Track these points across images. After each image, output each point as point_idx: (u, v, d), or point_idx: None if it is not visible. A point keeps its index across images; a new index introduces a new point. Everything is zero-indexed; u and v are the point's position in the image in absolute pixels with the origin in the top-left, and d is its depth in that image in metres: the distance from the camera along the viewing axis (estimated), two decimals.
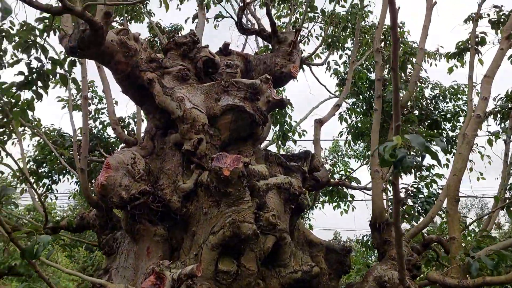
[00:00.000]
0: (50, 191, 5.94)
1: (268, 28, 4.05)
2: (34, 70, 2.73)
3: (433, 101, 5.56)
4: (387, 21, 3.86)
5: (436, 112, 5.53)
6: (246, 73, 3.72)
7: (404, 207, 3.98)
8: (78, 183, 5.78)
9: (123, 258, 2.97)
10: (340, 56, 5.39)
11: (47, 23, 2.64)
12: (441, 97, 5.54)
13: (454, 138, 5.56)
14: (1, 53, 3.12)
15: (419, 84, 6.09)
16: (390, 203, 3.77)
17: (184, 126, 2.79)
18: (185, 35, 3.22)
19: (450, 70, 4.32)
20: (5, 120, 3.44)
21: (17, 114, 2.84)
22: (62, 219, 3.41)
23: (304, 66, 4.70)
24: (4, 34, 3.08)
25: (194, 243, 2.72)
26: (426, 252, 3.58)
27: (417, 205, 3.83)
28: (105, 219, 3.22)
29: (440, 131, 5.20)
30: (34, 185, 5.86)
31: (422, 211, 3.75)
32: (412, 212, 3.93)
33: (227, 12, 4.82)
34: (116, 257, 3.06)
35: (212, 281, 2.55)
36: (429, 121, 5.38)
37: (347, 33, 5.14)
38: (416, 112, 5.61)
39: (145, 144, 3.05)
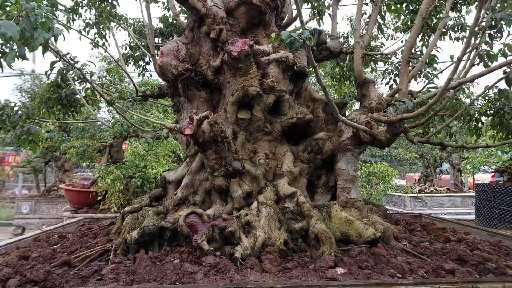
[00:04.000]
0: (145, 70, 7.68)
1: None
2: None
3: None
4: None
5: None
6: None
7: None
8: None
9: (185, 113, 4.49)
10: None
11: None
12: None
13: None
14: None
15: None
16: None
17: (208, 20, 3.90)
18: None
19: None
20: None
21: (103, 20, 4.25)
22: (147, 90, 5.01)
23: None
24: None
25: (224, 102, 4.07)
26: None
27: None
28: (172, 89, 4.70)
29: None
30: (134, 66, 7.67)
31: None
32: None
33: None
34: (181, 113, 4.60)
35: (234, 125, 3.94)
36: None
37: None
38: None
39: (187, 34, 4.27)
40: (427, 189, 15.09)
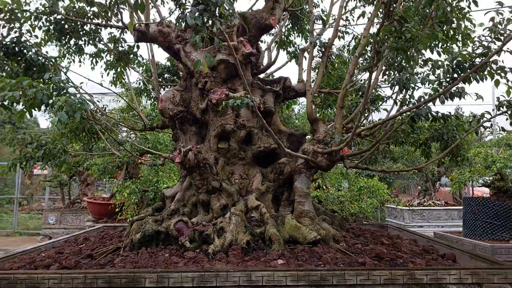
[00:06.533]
0: (156, 100, 9.02)
1: None
2: (120, 52, 5.33)
3: None
4: None
5: None
6: (243, 28, 5.70)
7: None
8: None
9: (181, 142, 5.73)
10: None
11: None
12: None
13: None
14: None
15: None
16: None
17: (196, 74, 5.15)
18: None
19: None
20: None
21: (117, 80, 5.58)
22: (153, 123, 6.29)
23: None
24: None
25: (209, 135, 5.29)
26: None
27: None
28: (172, 123, 5.95)
29: None
30: (147, 101, 9.00)
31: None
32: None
33: None
34: (178, 142, 5.84)
35: (216, 152, 5.14)
36: None
37: None
38: None
39: (182, 84, 5.54)
40: (425, 202, 15.91)
